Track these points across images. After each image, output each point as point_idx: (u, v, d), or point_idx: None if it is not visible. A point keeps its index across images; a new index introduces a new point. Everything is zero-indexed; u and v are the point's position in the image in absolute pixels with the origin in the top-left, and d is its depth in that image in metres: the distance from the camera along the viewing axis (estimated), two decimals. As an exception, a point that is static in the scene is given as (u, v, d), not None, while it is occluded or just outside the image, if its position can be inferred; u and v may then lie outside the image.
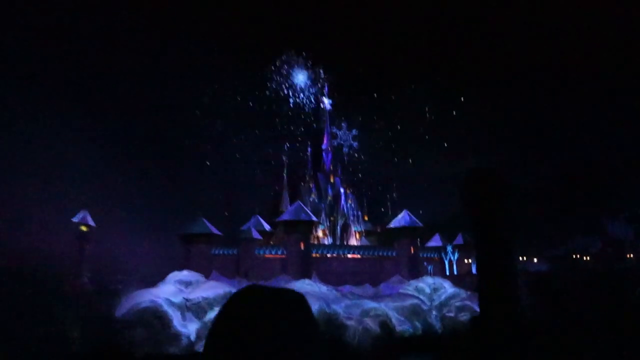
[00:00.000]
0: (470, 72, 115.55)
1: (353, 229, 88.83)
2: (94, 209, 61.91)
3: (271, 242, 79.57)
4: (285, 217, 75.83)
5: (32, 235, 49.07)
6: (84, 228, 59.37)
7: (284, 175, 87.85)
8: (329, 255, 79.10)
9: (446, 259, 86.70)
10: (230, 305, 2.85)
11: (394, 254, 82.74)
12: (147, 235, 65.78)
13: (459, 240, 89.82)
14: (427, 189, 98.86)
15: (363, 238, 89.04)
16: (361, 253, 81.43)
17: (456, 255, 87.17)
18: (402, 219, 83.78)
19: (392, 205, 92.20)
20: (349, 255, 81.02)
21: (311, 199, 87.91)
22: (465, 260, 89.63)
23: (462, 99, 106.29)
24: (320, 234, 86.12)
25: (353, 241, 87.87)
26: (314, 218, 77.48)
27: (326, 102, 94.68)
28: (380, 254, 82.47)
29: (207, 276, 69.54)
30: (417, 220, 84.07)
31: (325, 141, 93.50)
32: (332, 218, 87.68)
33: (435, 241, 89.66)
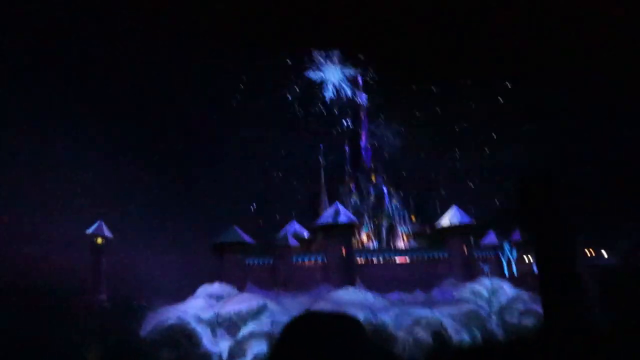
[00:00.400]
0: (518, 60, 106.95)
1: (399, 230, 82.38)
2: (112, 218, 58.15)
3: (310, 249, 74.04)
4: (322, 220, 70.30)
5: (44, 249, 45.57)
6: (99, 240, 55.63)
7: (321, 177, 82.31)
8: (374, 260, 73.01)
9: (504, 257, 79.06)
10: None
11: (446, 255, 75.82)
12: (173, 247, 61.79)
13: (517, 236, 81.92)
14: (477, 184, 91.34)
15: (411, 240, 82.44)
16: (409, 256, 74.94)
17: (515, 254, 79.39)
18: (451, 216, 76.80)
19: (440, 203, 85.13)
20: (397, 260, 74.62)
21: (352, 201, 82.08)
22: (526, 258, 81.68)
23: (508, 84, 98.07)
24: (364, 237, 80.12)
25: (400, 244, 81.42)
26: (355, 220, 71.58)
27: (362, 97, 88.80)
28: (431, 256, 75.74)
29: (242, 288, 64.89)
30: (468, 217, 76.90)
31: (363, 138, 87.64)
32: (376, 220, 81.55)
33: (490, 239, 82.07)
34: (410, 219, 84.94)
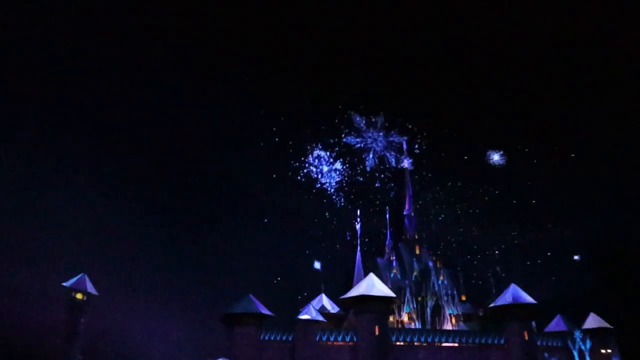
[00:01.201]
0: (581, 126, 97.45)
1: (447, 311, 71.07)
2: (99, 273, 50.84)
3: (339, 327, 63.83)
4: (353, 292, 60.63)
5: (12, 303, 38.76)
6: (79, 296, 48.20)
7: (357, 247, 73.25)
8: (415, 343, 61.81)
9: (574, 348, 65.83)
10: None
11: (502, 341, 63.71)
12: (174, 313, 53.53)
13: (591, 323, 68.86)
14: (540, 261, 79.48)
15: (461, 323, 70.75)
16: (458, 340, 63.21)
17: (588, 344, 66.08)
18: (509, 295, 65.33)
19: (496, 282, 73.82)
20: (443, 344, 63.11)
21: (392, 275, 72.09)
22: (603, 351, 67.92)
23: (572, 155, 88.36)
24: (404, 317, 69.26)
25: (448, 327, 69.85)
26: (392, 294, 61.54)
27: (407, 161, 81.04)
28: (484, 341, 63.74)
29: (255, 368, 55.39)
30: (529, 297, 65.20)
31: (407, 206, 78.73)
32: (419, 298, 70.87)
33: (557, 325, 69.34)
34: (460, 299, 73.56)
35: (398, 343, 60.89)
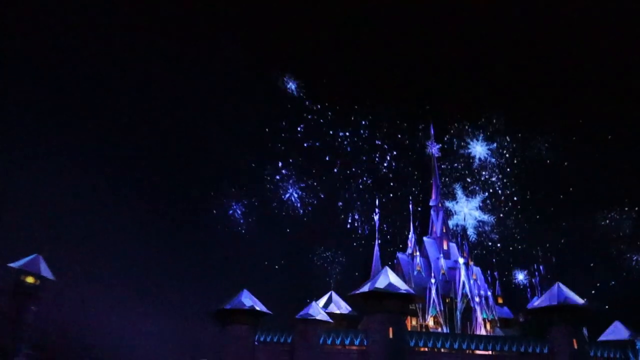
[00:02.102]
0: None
1: (480, 315, 60.80)
2: (58, 254, 43.46)
3: (348, 328, 54.62)
4: (364, 288, 51.46)
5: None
6: (29, 279, 41.00)
7: (376, 242, 63.85)
8: (441, 350, 52.09)
9: (636, 360, 54.72)
10: None
11: (546, 350, 53.22)
12: (154, 307, 46.01)
13: (656, 331, 57.45)
14: (592, 259, 68.36)
15: (497, 329, 60.35)
16: (492, 348, 53.06)
17: (653, 356, 54.86)
18: (554, 295, 54.88)
19: (540, 283, 63.25)
20: (474, 352, 53.09)
21: (415, 274, 62.42)
22: (671, 364, 56.35)
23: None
24: (429, 322, 59.39)
25: (481, 333, 59.55)
26: (411, 291, 52.13)
27: (434, 146, 71.59)
28: (524, 349, 53.41)
29: (245, 375, 47.07)
30: (578, 298, 54.60)
31: (434, 196, 68.97)
32: (447, 300, 60.89)
33: (615, 332, 58.07)
34: (496, 302, 63.22)
35: (419, 349, 51.38)
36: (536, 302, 56.27)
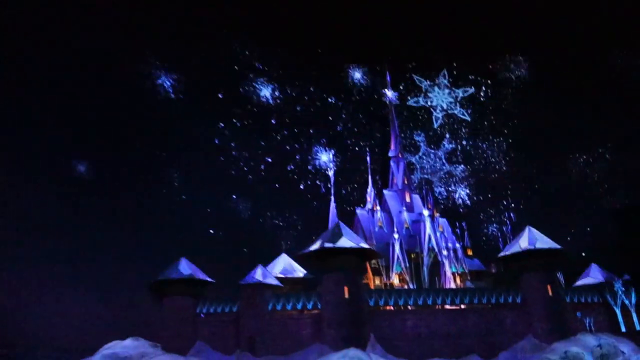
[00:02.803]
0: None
1: (449, 270, 56.38)
2: None
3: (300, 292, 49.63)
4: (315, 246, 46.44)
5: None
6: None
7: (332, 199, 58.84)
8: (407, 307, 47.50)
9: (616, 304, 50.82)
10: None
11: (519, 299, 48.99)
12: (86, 281, 40.92)
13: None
14: (565, 201, 64.12)
15: (468, 282, 56.05)
16: (460, 300, 48.67)
17: (634, 298, 50.96)
18: (524, 239, 50.52)
19: (512, 232, 58.85)
20: (444, 306, 48.68)
21: (377, 230, 57.74)
22: (654, 304, 52.68)
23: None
24: (394, 280, 54.83)
25: (451, 287, 55.16)
26: (365, 245, 47.21)
27: (390, 94, 66.37)
28: (495, 300, 49.11)
29: (186, 349, 42.20)
30: (551, 242, 50.27)
31: (392, 147, 63.96)
32: (413, 256, 56.31)
33: (592, 276, 54.13)
34: (466, 254, 58.85)
35: (383, 308, 46.72)
36: (507, 249, 51.73)
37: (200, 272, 45.81)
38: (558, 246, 49.92)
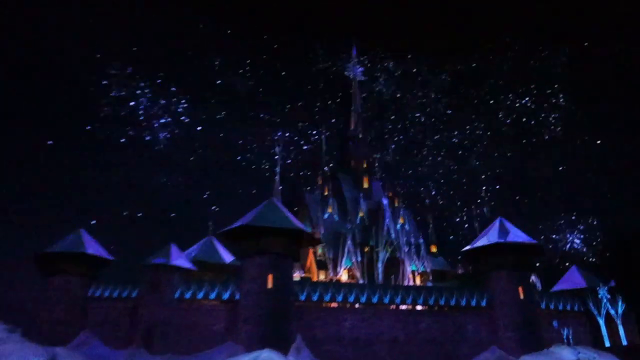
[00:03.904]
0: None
1: (409, 268, 48.46)
2: None
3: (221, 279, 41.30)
4: (237, 224, 38.33)
5: None
6: None
7: (276, 178, 50.86)
8: (339, 304, 39.37)
9: (600, 314, 42.94)
10: None
11: (485, 302, 41.04)
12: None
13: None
14: (543, 195, 56.63)
15: (429, 283, 48.05)
16: (412, 301, 40.60)
17: (621, 307, 43.09)
18: (493, 232, 42.71)
19: (482, 227, 51.01)
20: (396, 307, 40.57)
21: (326, 216, 49.85)
22: (644, 316, 44.89)
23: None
24: (342, 275, 46.89)
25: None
26: (300, 225, 39.07)
27: (354, 69, 58.85)
28: (456, 302, 41.10)
29: (70, 339, 34.28)
30: (525, 236, 42.46)
31: (353, 124, 56.27)
32: (366, 249, 48.40)
33: (573, 280, 46.29)
34: (429, 251, 51.01)
35: (306, 303, 38.51)
36: (473, 243, 43.83)
37: (98, 246, 37.85)
38: (532, 240, 42.10)
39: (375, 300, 39.41)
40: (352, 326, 38.01)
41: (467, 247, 43.21)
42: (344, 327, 37.78)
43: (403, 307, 40.73)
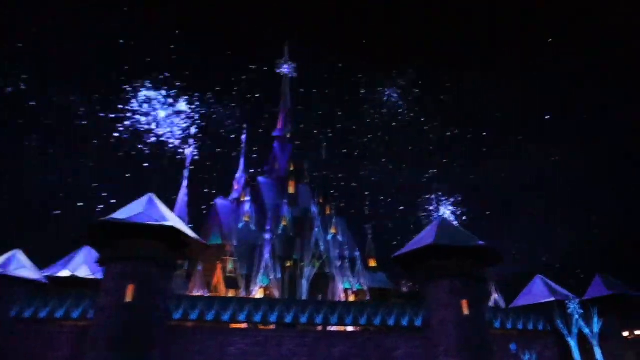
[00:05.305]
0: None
1: (341, 285, 39.94)
2: None
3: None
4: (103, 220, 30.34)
5: None
6: None
7: (184, 182, 42.86)
8: (227, 324, 30.84)
9: (570, 333, 34.15)
10: None
11: (420, 321, 32.49)
12: None
13: (599, 289, 37.20)
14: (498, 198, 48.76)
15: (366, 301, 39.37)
16: (324, 319, 32.00)
17: (597, 324, 34.30)
18: (430, 234, 34.52)
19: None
20: (307, 327, 31.89)
21: (241, 226, 41.74)
22: (626, 334, 35.79)
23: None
24: (257, 294, 38.40)
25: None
26: (180, 225, 30.97)
27: (286, 66, 51.89)
28: (382, 321, 32.51)
29: None
30: (471, 238, 34.16)
31: (280, 124, 48.82)
32: (289, 263, 40.05)
33: (538, 293, 37.56)
34: (367, 265, 42.57)
35: (183, 323, 30.21)
36: (407, 247, 35.45)
37: None
38: (479, 242, 33.77)
39: (273, 319, 30.95)
40: (241, 352, 29.48)
41: (399, 252, 34.86)
42: (229, 354, 29.24)
43: (318, 328, 32.28)
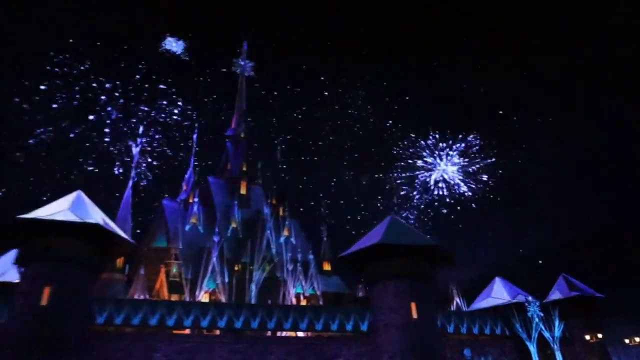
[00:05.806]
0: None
1: (292, 289, 37.80)
2: None
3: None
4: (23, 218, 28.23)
5: None
6: None
7: (129, 183, 40.84)
8: (154, 328, 28.65)
9: (530, 337, 32.02)
10: None
11: (365, 326, 30.36)
12: None
13: (561, 290, 35.13)
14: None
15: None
16: (260, 324, 29.80)
17: (558, 327, 32.21)
18: (377, 232, 32.46)
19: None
20: (241, 332, 29.70)
21: (188, 228, 39.65)
22: (587, 337, 33.62)
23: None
24: (203, 299, 36.22)
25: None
26: (107, 223, 28.83)
27: (242, 64, 50.15)
28: (323, 326, 30.35)
29: None
30: (422, 236, 32.11)
31: (234, 123, 46.93)
32: (238, 267, 37.94)
33: (495, 295, 35.42)
34: (320, 269, 40.49)
35: (119, 329, 28.09)
36: (354, 247, 33.38)
37: None
38: (430, 241, 31.71)
39: (205, 324, 28.81)
40: (166, 354, 27.29)
41: (345, 252, 32.77)
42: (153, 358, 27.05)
43: (254, 332, 30.08)
